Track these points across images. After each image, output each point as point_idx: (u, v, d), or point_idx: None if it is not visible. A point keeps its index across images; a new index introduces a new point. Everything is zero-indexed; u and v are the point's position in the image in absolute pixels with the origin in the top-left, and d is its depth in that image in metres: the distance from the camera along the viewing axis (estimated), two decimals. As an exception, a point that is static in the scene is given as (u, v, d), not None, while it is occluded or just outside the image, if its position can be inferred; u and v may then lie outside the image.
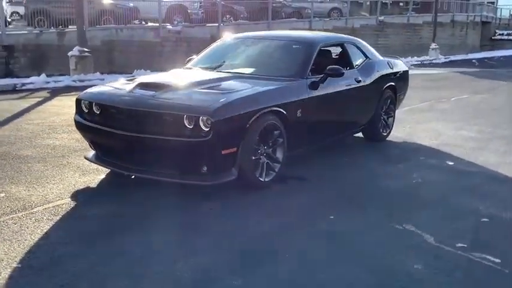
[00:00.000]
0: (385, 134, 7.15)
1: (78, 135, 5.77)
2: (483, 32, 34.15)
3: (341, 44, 6.57)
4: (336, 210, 4.54)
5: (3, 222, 4.06)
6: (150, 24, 17.95)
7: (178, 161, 4.64)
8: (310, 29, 20.67)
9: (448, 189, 5.22)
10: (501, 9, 40.30)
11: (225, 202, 4.65)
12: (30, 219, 4.13)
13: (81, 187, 4.93)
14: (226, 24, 18.94)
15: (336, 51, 6.81)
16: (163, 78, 5.59)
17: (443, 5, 32.60)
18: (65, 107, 9.05)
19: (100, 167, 5.29)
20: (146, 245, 3.77)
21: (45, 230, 3.94)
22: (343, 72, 5.65)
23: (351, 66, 6.42)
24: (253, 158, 4.81)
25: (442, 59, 24.79)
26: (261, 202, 4.70)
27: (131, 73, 14.02)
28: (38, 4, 16.26)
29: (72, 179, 5.12)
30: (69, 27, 15.39)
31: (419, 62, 23.18)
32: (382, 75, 6.85)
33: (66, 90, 11.48)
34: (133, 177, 5.03)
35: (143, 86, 5.03)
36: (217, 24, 18.38)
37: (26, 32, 15.09)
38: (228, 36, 6.86)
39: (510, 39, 35.24)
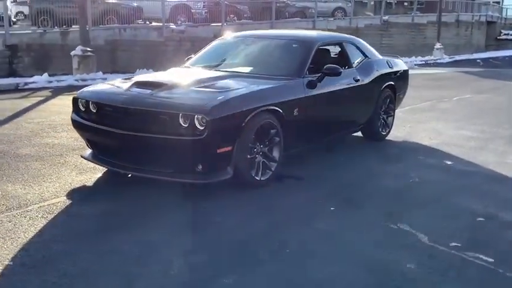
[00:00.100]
0: (384, 133, 7.12)
1: (77, 134, 5.78)
2: (488, 31, 34.00)
3: (340, 43, 6.56)
4: (332, 210, 4.53)
5: (-2, 220, 4.08)
6: (154, 24, 17.96)
7: (173, 159, 4.64)
8: (313, 28, 20.64)
9: (445, 188, 5.20)
10: (507, 9, 40.07)
11: (220, 201, 4.65)
12: (25, 217, 4.14)
13: (78, 185, 4.94)
14: (230, 24, 18.94)
15: (334, 50, 6.79)
16: (160, 77, 5.61)
17: (448, 5, 32.48)
18: (66, 106, 8.98)
19: (97, 166, 5.30)
20: (140, 243, 3.77)
21: (39, 228, 3.95)
22: (341, 71, 5.64)
23: (350, 66, 6.40)
24: (249, 156, 4.81)
25: (446, 58, 24.71)
26: (257, 201, 4.70)
27: (134, 73, 14.04)
28: (42, 4, 16.27)
29: (68, 178, 5.13)
30: (73, 26, 15.42)
31: (424, 62, 23.11)
32: (381, 74, 6.83)
33: (69, 89, 11.49)
34: (129, 175, 5.04)
35: (140, 84, 5.05)
36: (220, 24, 18.38)
37: (29, 31, 15.13)
38: (226, 35, 6.86)
39: (515, 39, 35.12)
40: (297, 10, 23.02)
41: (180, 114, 4.49)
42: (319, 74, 5.60)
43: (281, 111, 5.04)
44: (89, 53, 13.07)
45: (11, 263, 3.41)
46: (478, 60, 24.82)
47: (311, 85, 5.51)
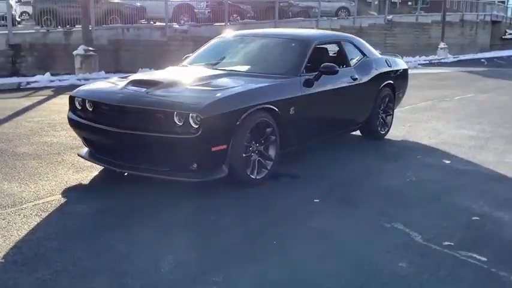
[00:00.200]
0: (383, 132, 7.11)
1: (75, 132, 5.79)
2: (493, 31, 33.88)
3: (337, 42, 6.54)
4: (326, 209, 4.52)
5: (-8, 218, 4.09)
6: (157, 23, 17.99)
7: (168, 157, 4.65)
8: (317, 28, 20.61)
9: (441, 187, 5.18)
10: (512, 8, 40.02)
11: (215, 199, 4.65)
12: (19, 215, 4.15)
13: (73, 184, 4.95)
14: (233, 24, 18.95)
15: (333, 49, 6.77)
16: (156, 75, 5.62)
17: (453, 4, 32.44)
18: (67, 105, 8.90)
19: (94, 164, 5.30)
20: (132, 241, 3.77)
21: (32, 226, 3.95)
22: (338, 70, 5.62)
23: (347, 64, 6.39)
24: (244, 155, 4.80)
25: (450, 58, 24.64)
26: (252, 200, 4.69)
27: (136, 72, 14.05)
28: (45, 4, 16.35)
29: (65, 176, 5.14)
30: (76, 26, 15.46)
31: (428, 61, 23.06)
32: (380, 73, 6.81)
33: (70, 89, 11.32)
34: (126, 174, 5.04)
35: (135, 83, 5.05)
36: (223, 24, 18.39)
37: (33, 31, 15.19)
38: (224, 34, 6.86)
39: (521, 39, 34.97)
40: (301, 10, 23.02)
41: (175, 113, 4.49)
42: (316, 73, 5.59)
43: (277, 109, 5.03)
44: (91, 53, 13.11)
45: (3, 260, 3.42)
46: (483, 60, 24.72)
47: (308, 84, 5.50)
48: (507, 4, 40.61)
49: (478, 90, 12.98)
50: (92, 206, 4.43)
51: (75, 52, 13.11)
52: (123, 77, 5.69)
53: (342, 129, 6.57)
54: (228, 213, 4.39)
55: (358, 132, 7.04)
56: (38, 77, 12.47)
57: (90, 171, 5.31)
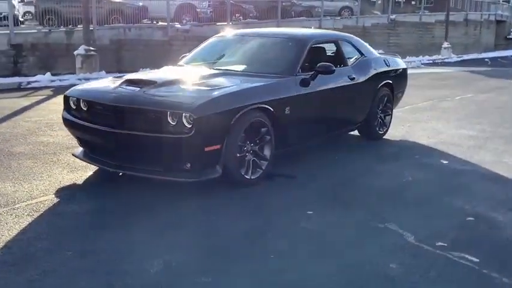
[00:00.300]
0: (381, 132, 7.07)
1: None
2: (498, 31, 33.75)
3: (335, 42, 6.50)
4: (320, 209, 4.50)
5: (-16, 218, 4.08)
6: (160, 23, 17.98)
7: (161, 157, 4.64)
8: (320, 27, 20.57)
9: (437, 188, 5.15)
10: (517, 7, 39.77)
11: (209, 199, 4.63)
12: (11, 215, 4.14)
13: (67, 184, 4.94)
14: (235, 23, 18.92)
15: (330, 48, 6.73)
16: (151, 75, 5.61)
17: (457, 4, 32.32)
18: (65, 105, 9.08)
19: (90, 164, 5.28)
20: (123, 242, 3.76)
21: (23, 226, 3.95)
22: (334, 70, 5.59)
23: (345, 64, 6.36)
24: (239, 155, 4.79)
25: (454, 58, 24.54)
26: (247, 200, 4.67)
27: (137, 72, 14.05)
28: (47, 3, 16.36)
29: (59, 176, 5.14)
30: (78, 26, 15.45)
31: (431, 61, 22.97)
32: (378, 72, 6.78)
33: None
34: (121, 174, 5.02)
35: (130, 82, 5.04)
36: (226, 23, 18.36)
37: (35, 31, 15.19)
38: (221, 33, 6.84)
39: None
40: (303, 9, 22.97)
41: (168, 112, 4.47)
42: (312, 72, 5.56)
43: (272, 109, 5.01)
44: (92, 53, 13.10)
45: (-8, 260, 3.41)
46: (486, 60, 24.61)
47: (304, 83, 5.47)
48: (512, 3, 40.42)
49: (480, 90, 12.91)
50: (84, 206, 4.42)
51: (76, 52, 13.11)
52: (117, 77, 5.67)
53: (340, 129, 6.54)
54: (221, 213, 4.37)
55: (356, 132, 7.01)
56: (38, 77, 12.48)
57: (85, 171, 5.30)
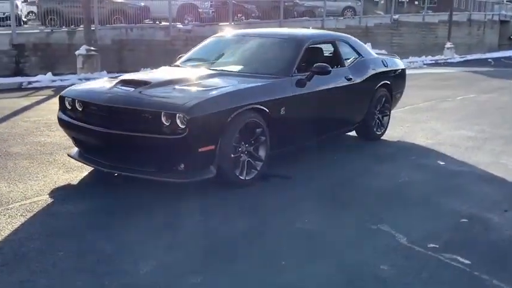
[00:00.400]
0: (379, 133, 7.05)
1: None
2: (501, 31, 33.62)
3: (332, 42, 6.48)
4: (314, 209, 4.50)
5: (-23, 218, 4.09)
6: (163, 23, 17.99)
7: (156, 158, 4.64)
8: (322, 28, 20.55)
9: (433, 189, 5.13)
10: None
11: (204, 200, 4.63)
12: (4, 215, 4.15)
13: (62, 184, 4.94)
14: (237, 23, 18.92)
15: (328, 49, 6.72)
16: (146, 75, 5.62)
17: (461, 4, 32.25)
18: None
19: (85, 165, 5.29)
20: (117, 242, 3.76)
21: (16, 226, 3.95)
22: (330, 70, 5.58)
23: (342, 64, 6.35)
24: (233, 156, 4.78)
25: (457, 58, 24.45)
26: (241, 200, 4.67)
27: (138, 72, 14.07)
28: (50, 4, 16.40)
29: (55, 176, 5.14)
30: (80, 26, 15.46)
31: (434, 61, 22.90)
32: (376, 73, 6.76)
33: (72, 88, 11.53)
34: (116, 175, 5.02)
35: (125, 83, 5.04)
36: (228, 23, 18.36)
37: (37, 31, 15.21)
38: (218, 34, 6.84)
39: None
40: (306, 9, 22.94)
41: (162, 113, 4.47)
42: (308, 73, 5.55)
43: (267, 110, 5.00)
44: (93, 53, 13.11)
45: (-17, 261, 3.42)
46: (490, 60, 24.51)
47: (300, 84, 5.47)
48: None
49: (481, 90, 12.87)
50: (78, 206, 4.42)
51: (77, 52, 13.13)
52: (113, 77, 5.68)
53: (336, 130, 6.53)
54: (215, 214, 4.37)
55: (354, 133, 7.00)
56: (39, 77, 12.50)
57: (81, 171, 5.30)
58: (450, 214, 4.46)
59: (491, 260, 3.62)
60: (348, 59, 6.54)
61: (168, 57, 16.03)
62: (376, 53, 7.91)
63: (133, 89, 4.84)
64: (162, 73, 5.74)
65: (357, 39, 7.05)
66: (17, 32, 14.03)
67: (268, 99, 5.06)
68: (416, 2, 33.73)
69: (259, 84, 5.19)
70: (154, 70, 6.25)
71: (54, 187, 4.84)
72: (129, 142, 4.63)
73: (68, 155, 5.35)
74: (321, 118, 5.96)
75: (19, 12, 17.86)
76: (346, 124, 6.58)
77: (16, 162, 5.55)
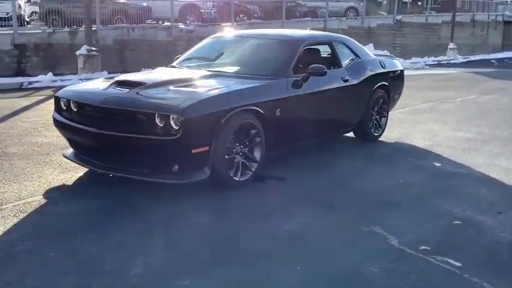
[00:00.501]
0: (376, 134, 7.04)
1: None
2: (505, 31, 33.45)
3: (329, 43, 6.48)
4: (307, 211, 4.49)
5: (-30, 218, 4.10)
6: (165, 23, 18.01)
7: (150, 159, 4.64)
8: (324, 28, 20.54)
9: (428, 191, 5.11)
10: (525, 8, 39.48)
11: (197, 201, 4.63)
12: (-3, 216, 4.17)
13: (57, 184, 4.95)
14: (240, 24, 18.91)
15: (326, 50, 6.71)
16: (142, 76, 5.62)
17: (465, 4, 32.12)
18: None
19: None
20: (107, 243, 3.77)
21: (8, 227, 3.96)
22: (325, 72, 5.56)
23: (339, 65, 6.34)
24: (227, 157, 4.78)
25: (460, 59, 24.38)
26: (235, 202, 4.67)
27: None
28: (52, 4, 16.44)
29: (50, 177, 5.15)
30: (82, 26, 15.50)
31: (436, 62, 22.84)
32: (373, 74, 6.75)
33: (72, 88, 11.56)
34: (111, 176, 5.02)
35: (120, 84, 5.05)
36: (230, 24, 18.37)
37: (38, 31, 15.26)
38: (216, 35, 6.84)
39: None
40: (308, 10, 22.89)
41: (156, 114, 4.48)
42: (304, 74, 5.55)
43: (262, 111, 5.00)
44: (94, 53, 13.14)
45: (-27, 261, 3.43)
46: (493, 61, 24.42)
47: (296, 85, 5.46)
48: (520, 4, 40.12)
49: (482, 91, 12.82)
50: (71, 208, 4.43)
51: (78, 52, 13.16)
52: (108, 78, 5.69)
53: (333, 131, 6.52)
54: (208, 215, 4.38)
55: (352, 134, 6.99)
56: (40, 77, 12.55)
57: (76, 172, 5.31)
58: (444, 216, 4.44)
59: (483, 263, 3.60)
60: (345, 60, 6.53)
61: (169, 57, 15.97)
62: (377, 54, 7.93)
63: (128, 90, 4.85)
64: (158, 74, 5.74)
65: (354, 40, 7.04)
66: (19, 32, 14.08)
67: (263, 101, 5.06)
68: (419, 3, 33.60)
69: (255, 85, 5.18)
70: (151, 71, 6.25)
71: (48, 188, 4.85)
72: (124, 143, 4.63)
73: (63, 156, 5.36)
74: (318, 119, 5.96)
75: (22, 13, 17.88)
76: (343, 125, 6.57)
77: (12, 163, 5.56)
